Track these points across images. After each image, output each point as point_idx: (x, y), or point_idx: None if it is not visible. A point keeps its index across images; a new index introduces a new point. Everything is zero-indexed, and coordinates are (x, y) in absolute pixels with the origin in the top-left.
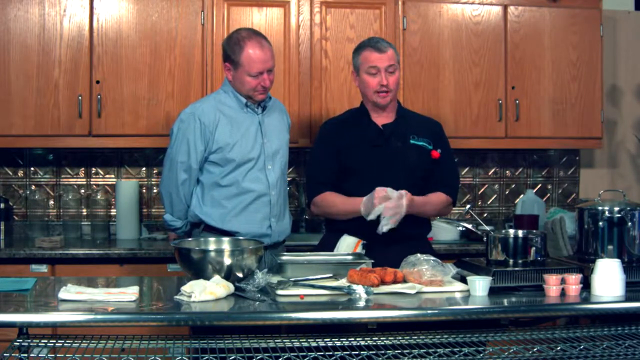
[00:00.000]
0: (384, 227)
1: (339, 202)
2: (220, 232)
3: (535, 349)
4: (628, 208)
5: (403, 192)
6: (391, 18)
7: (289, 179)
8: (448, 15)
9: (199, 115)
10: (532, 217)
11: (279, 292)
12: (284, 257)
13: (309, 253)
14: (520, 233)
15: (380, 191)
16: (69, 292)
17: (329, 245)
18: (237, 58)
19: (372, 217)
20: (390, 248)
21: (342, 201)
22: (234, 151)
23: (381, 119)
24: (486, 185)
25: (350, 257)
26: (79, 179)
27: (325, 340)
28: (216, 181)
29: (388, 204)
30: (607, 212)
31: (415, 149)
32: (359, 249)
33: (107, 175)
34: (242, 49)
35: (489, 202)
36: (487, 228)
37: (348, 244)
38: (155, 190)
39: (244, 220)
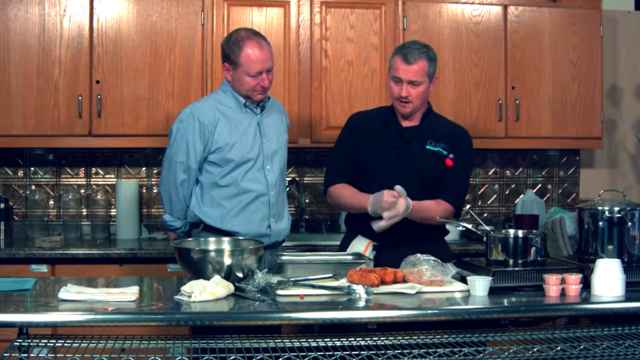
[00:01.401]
0: (378, 227)
1: (348, 195)
2: (219, 232)
3: (535, 349)
4: (628, 208)
5: (403, 202)
6: (391, 18)
7: (289, 179)
8: (448, 15)
9: (198, 116)
10: (532, 217)
11: (279, 292)
12: (284, 257)
13: (308, 253)
14: (520, 233)
15: (388, 196)
16: (69, 292)
17: (346, 245)
18: (236, 58)
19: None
20: (401, 250)
21: (350, 195)
22: (232, 151)
23: (406, 122)
24: (486, 185)
25: (350, 257)
26: (79, 179)
27: (325, 340)
28: (215, 181)
29: (390, 214)
30: (607, 212)
31: (431, 155)
32: (369, 250)
33: (107, 175)
34: (241, 49)
35: (489, 202)
36: (487, 228)
37: (360, 245)
38: (155, 190)
39: (243, 220)
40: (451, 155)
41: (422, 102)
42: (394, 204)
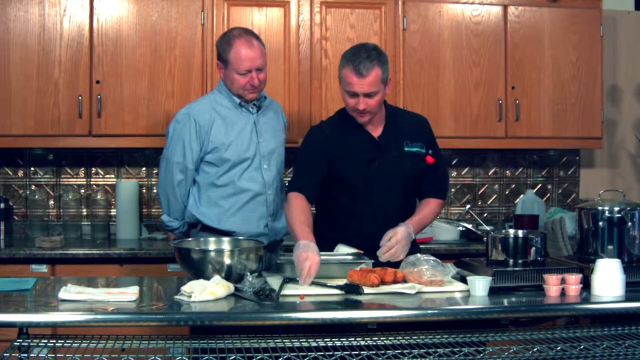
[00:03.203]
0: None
1: (290, 218)
2: (217, 232)
3: (535, 349)
4: (628, 208)
5: (396, 240)
6: (391, 18)
7: (289, 178)
8: (448, 15)
9: (194, 116)
10: (532, 217)
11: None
12: (283, 257)
13: None
14: (520, 233)
15: (301, 262)
16: (69, 292)
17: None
18: (226, 56)
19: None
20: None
21: (294, 221)
22: (229, 151)
23: (371, 126)
24: (486, 185)
25: (350, 257)
26: (79, 179)
27: (325, 340)
28: (212, 181)
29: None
30: (607, 212)
31: (410, 157)
32: None
33: (107, 175)
34: (231, 47)
35: (489, 202)
36: (487, 228)
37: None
38: (155, 190)
39: (241, 219)
40: (430, 152)
41: (380, 107)
42: (307, 269)
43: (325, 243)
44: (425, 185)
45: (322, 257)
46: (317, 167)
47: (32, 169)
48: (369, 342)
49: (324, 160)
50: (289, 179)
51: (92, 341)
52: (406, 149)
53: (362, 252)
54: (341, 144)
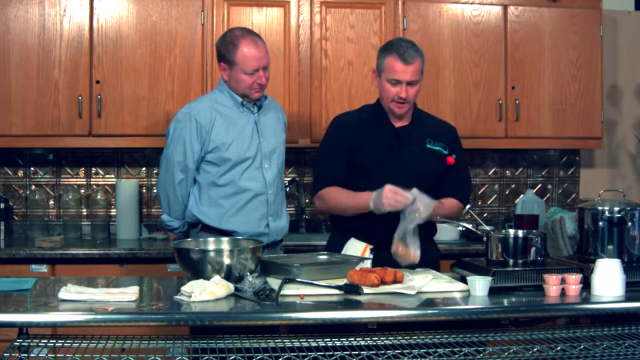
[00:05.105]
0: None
1: (344, 196)
2: (217, 232)
3: (535, 349)
4: (628, 208)
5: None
6: (391, 18)
7: (289, 178)
8: (448, 15)
9: (195, 115)
10: (532, 217)
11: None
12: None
13: (308, 253)
14: (520, 233)
15: (389, 191)
16: (69, 292)
17: (336, 246)
18: (232, 57)
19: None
20: None
21: (347, 195)
22: (230, 150)
23: (398, 121)
24: (486, 185)
25: (350, 257)
26: (79, 179)
27: (325, 340)
28: (213, 181)
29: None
30: (607, 212)
31: (431, 154)
32: (367, 254)
33: (107, 175)
34: (237, 48)
35: (489, 202)
36: (487, 228)
37: (356, 249)
38: (155, 190)
39: (242, 219)
40: (454, 155)
41: (414, 100)
42: (394, 199)
43: (339, 233)
44: (445, 188)
45: (321, 258)
46: (340, 160)
47: (32, 169)
48: (369, 342)
49: (346, 152)
50: (289, 178)
51: (92, 341)
52: (428, 145)
53: (372, 246)
54: (362, 132)
